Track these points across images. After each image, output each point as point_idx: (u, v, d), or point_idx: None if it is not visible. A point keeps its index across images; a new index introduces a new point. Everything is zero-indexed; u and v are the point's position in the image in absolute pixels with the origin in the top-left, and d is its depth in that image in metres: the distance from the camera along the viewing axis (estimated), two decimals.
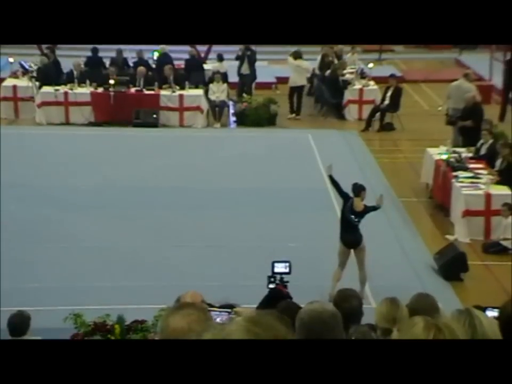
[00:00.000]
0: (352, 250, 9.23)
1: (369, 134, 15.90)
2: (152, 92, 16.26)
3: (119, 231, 11.00)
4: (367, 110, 16.60)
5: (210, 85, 16.70)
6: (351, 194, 9.27)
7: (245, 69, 17.51)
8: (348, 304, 4.37)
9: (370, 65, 18.08)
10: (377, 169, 13.83)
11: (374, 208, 9.34)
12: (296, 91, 16.98)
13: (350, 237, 9.22)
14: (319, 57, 18.20)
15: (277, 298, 6.31)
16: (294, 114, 16.90)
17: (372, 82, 17.34)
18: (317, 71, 18.04)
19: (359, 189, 9.25)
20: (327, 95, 17.19)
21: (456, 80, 15.06)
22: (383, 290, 7.41)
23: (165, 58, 17.46)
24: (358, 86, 17.14)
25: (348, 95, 17.04)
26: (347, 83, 17.19)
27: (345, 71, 17.65)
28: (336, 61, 18.03)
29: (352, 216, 9.16)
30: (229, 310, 5.12)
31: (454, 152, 12.45)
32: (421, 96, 18.64)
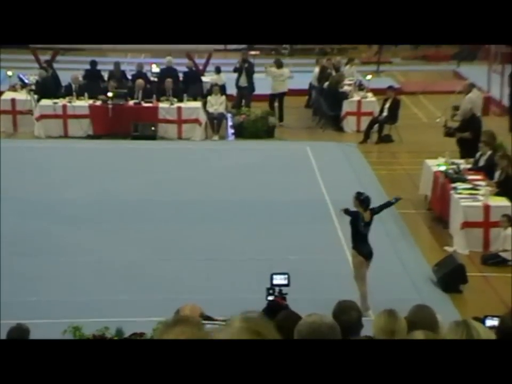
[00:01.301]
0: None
1: (368, 146, 15.92)
2: (150, 105, 16.28)
3: (117, 244, 10.97)
4: (365, 122, 16.62)
5: (209, 97, 16.73)
6: (354, 207, 9.11)
7: (243, 81, 17.55)
8: (347, 316, 4.35)
9: (369, 77, 18.13)
10: (376, 181, 13.83)
11: (380, 208, 9.26)
12: (277, 98, 17.24)
13: (369, 248, 9.08)
14: (317, 69, 18.25)
15: (275, 310, 6.29)
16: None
17: (370, 94, 17.37)
18: (315, 83, 18.08)
19: (368, 202, 9.07)
20: (325, 107, 17.22)
21: (453, 92, 15.10)
22: (382, 303, 7.38)
23: (168, 71, 17.51)
24: (356, 98, 17.17)
25: (346, 107, 17.07)
26: (345, 95, 17.23)
27: (343, 83, 17.69)
28: (334, 73, 18.08)
29: (366, 228, 9.05)
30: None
31: (453, 163, 12.46)
32: (419, 108, 18.68)
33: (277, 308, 6.60)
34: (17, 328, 6.56)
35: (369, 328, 4.62)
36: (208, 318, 4.78)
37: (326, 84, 17.57)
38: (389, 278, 10.03)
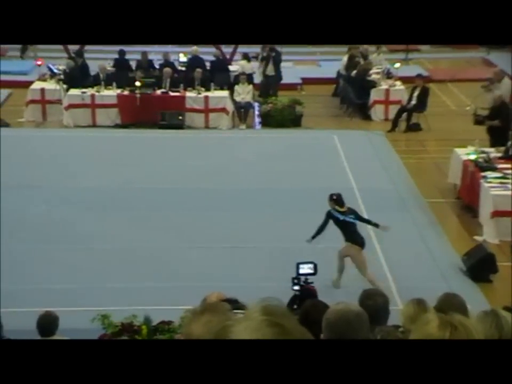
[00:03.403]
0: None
1: (396, 135, 15.79)
2: (177, 94, 16.31)
3: (144, 232, 11.03)
4: (393, 110, 16.48)
5: (236, 87, 16.71)
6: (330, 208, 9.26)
7: (270, 70, 17.50)
8: (372, 301, 4.33)
9: (397, 65, 17.96)
10: (403, 170, 13.72)
11: (361, 218, 9.51)
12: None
13: (361, 236, 9.31)
14: (345, 58, 18.13)
15: (307, 297, 6.28)
16: None
17: (398, 83, 17.22)
18: (343, 72, 17.96)
19: (341, 200, 9.33)
20: (353, 96, 17.10)
21: (483, 80, 14.90)
22: (410, 292, 7.34)
23: (195, 61, 17.52)
24: (384, 86, 17.03)
25: (374, 95, 16.94)
26: (373, 83, 17.09)
27: (371, 72, 17.55)
28: (362, 61, 17.94)
29: (350, 217, 9.24)
30: None
31: (482, 152, 12.31)
32: (448, 95, 18.47)
33: (309, 295, 6.59)
34: (46, 315, 6.63)
35: (396, 317, 4.59)
36: (239, 306, 4.75)
37: (354, 72, 17.45)
38: (417, 267, 9.96)
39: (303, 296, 6.69)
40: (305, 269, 7.26)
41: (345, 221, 9.20)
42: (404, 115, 16.12)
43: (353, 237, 9.23)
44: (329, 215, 9.27)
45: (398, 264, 9.95)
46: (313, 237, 9.32)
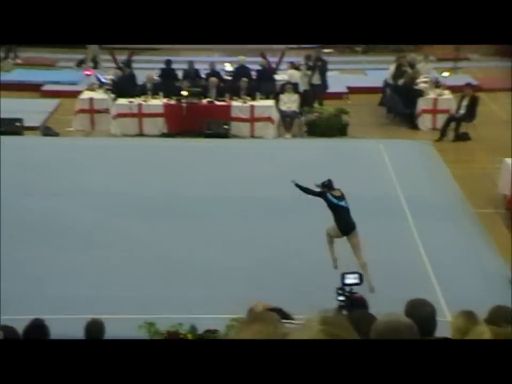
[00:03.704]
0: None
1: (444, 144, 15.57)
2: (223, 103, 16.38)
3: (188, 241, 11.07)
4: (441, 119, 16.26)
5: (281, 95, 16.71)
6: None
7: (316, 79, 17.45)
8: (420, 311, 4.24)
9: (445, 74, 17.72)
10: (452, 179, 13.50)
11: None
12: None
13: (349, 221, 9.42)
14: (392, 67, 17.97)
15: (357, 307, 6.20)
16: None
17: (446, 92, 16.98)
18: (390, 81, 17.81)
19: (331, 183, 9.59)
20: (400, 105, 16.93)
21: None
22: (459, 303, 7.19)
23: (241, 70, 17.59)
24: (432, 95, 16.82)
25: (422, 104, 16.74)
26: (421, 92, 16.90)
27: (418, 80, 17.36)
28: (409, 70, 17.76)
29: (342, 202, 9.42)
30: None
31: None
32: (498, 105, 18.15)
33: (359, 305, 6.50)
34: (94, 322, 6.67)
35: (443, 328, 4.49)
36: (284, 315, 4.70)
37: (401, 81, 17.28)
38: (465, 277, 9.77)
39: (353, 305, 6.60)
40: (351, 279, 7.17)
41: (339, 205, 9.42)
42: (452, 124, 15.89)
43: (341, 223, 9.42)
44: (322, 195, 9.48)
45: (446, 275, 9.77)
46: (298, 185, 9.67)
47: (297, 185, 9.68)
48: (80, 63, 20.32)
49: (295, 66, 17.76)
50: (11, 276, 9.76)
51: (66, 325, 7.81)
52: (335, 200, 9.45)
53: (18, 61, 20.72)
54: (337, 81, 18.73)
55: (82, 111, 16.62)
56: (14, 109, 16.66)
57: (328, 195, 9.48)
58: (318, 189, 9.61)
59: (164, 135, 16.25)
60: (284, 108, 16.52)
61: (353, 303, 6.72)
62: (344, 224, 9.51)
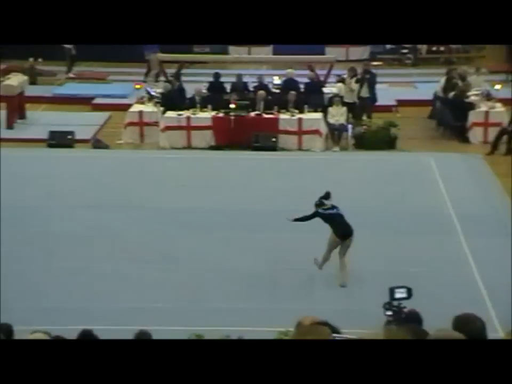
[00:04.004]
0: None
1: (496, 158, 15.28)
2: (271, 116, 16.40)
3: (237, 253, 11.07)
4: (492, 133, 15.97)
5: (330, 108, 16.64)
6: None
7: (365, 92, 17.34)
8: (471, 325, 4.13)
9: (497, 86, 17.42)
10: (503, 194, 13.23)
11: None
12: None
13: (348, 227, 9.94)
14: (443, 79, 17.75)
15: (412, 321, 6.10)
16: None
17: (498, 104, 16.69)
18: (440, 93, 17.58)
19: (321, 201, 10.23)
20: (451, 118, 16.69)
21: None
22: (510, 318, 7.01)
23: (289, 83, 17.60)
24: (483, 108, 16.54)
25: (473, 117, 16.47)
26: (472, 105, 16.63)
27: (469, 93, 17.10)
28: (460, 83, 17.51)
29: (334, 210, 10.02)
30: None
31: None
32: None
33: (414, 319, 6.38)
34: (142, 333, 6.68)
35: None
36: (333, 329, 4.63)
37: (452, 94, 17.05)
38: None
39: (407, 320, 6.48)
40: (400, 293, 7.05)
41: (332, 213, 9.99)
42: (504, 137, 15.59)
43: (337, 230, 10.00)
44: (316, 214, 10.11)
45: (498, 290, 9.55)
46: (296, 219, 10.14)
47: (296, 220, 10.16)
48: (146, 76, 20.45)
49: (343, 79, 17.68)
50: (63, 285, 9.90)
51: (115, 336, 7.87)
52: (326, 212, 10.04)
53: (71, 75, 21.12)
54: (386, 94, 18.56)
55: (132, 124, 16.82)
56: (65, 122, 16.99)
57: (320, 211, 10.08)
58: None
59: (211, 148, 16.33)
60: (332, 120, 16.46)
61: (408, 318, 6.61)
62: (343, 229, 9.99)
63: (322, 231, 11.69)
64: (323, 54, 20.07)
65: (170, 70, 18.62)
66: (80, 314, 9.11)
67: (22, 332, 5.28)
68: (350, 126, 16.83)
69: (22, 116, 17.55)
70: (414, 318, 6.38)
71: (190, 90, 17.47)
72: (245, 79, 18.14)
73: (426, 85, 19.27)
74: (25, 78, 18.15)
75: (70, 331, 6.10)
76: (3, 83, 17.29)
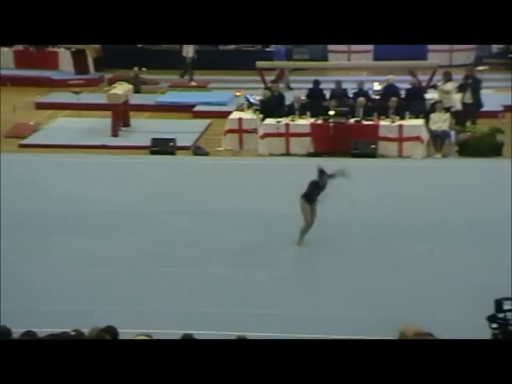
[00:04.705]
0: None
1: None
2: (371, 123, 16.19)
3: (331, 260, 10.99)
4: None
5: (432, 115, 16.28)
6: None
7: (468, 98, 16.84)
8: None
9: None
10: None
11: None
12: None
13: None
14: None
15: None
16: None
17: None
18: None
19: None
20: None
21: None
22: None
23: (390, 89, 17.34)
24: None
25: None
26: None
27: None
28: None
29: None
30: None
31: None
32: None
33: None
34: (188, 336, 6.53)
35: None
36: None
37: None
38: None
39: None
40: (509, 305, 6.74)
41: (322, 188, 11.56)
42: None
43: (313, 197, 11.55)
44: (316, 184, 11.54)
45: None
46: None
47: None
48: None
49: (435, 85, 17.24)
50: (164, 290, 10.07)
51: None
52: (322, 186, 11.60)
53: (193, 83, 21.56)
54: (491, 99, 17.96)
55: (231, 131, 16.98)
56: (167, 129, 17.37)
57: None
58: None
59: (310, 155, 16.26)
60: (434, 127, 16.09)
61: None
62: (314, 198, 11.54)
63: (424, 240, 11.39)
64: (425, 59, 19.67)
65: (269, 78, 18.70)
66: (183, 317, 9.21)
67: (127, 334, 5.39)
68: (453, 133, 16.39)
69: (127, 124, 18.08)
70: None
71: (289, 97, 17.49)
72: (344, 86, 17.99)
73: None
74: (130, 87, 18.69)
75: (177, 335, 6.14)
76: (109, 92, 17.88)
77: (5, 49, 23.03)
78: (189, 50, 21.62)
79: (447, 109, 16.50)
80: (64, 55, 22.70)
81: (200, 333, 7.31)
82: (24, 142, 16.96)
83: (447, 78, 16.96)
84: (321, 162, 15.69)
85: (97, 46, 22.20)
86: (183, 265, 10.85)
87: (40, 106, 19.80)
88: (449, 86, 16.87)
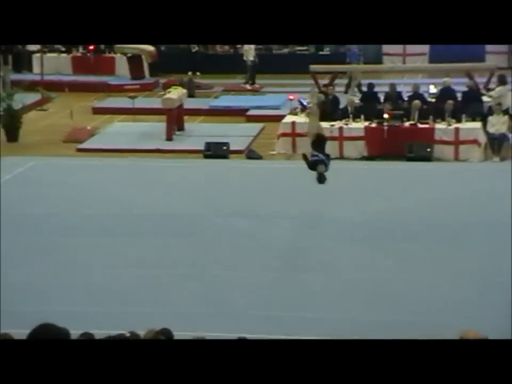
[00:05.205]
0: None
1: None
2: (426, 126, 15.97)
3: (382, 263, 10.90)
4: None
5: (490, 117, 15.97)
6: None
7: None
8: None
9: None
10: None
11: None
12: None
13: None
14: None
15: None
16: None
17: None
18: None
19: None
20: None
21: None
22: None
23: (446, 92, 17.08)
24: None
25: None
26: None
27: None
28: None
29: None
30: None
31: None
32: None
33: None
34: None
35: None
36: None
37: None
38: None
39: None
40: None
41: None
42: None
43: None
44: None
45: None
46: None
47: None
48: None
49: (489, 88, 16.90)
50: (217, 292, 10.09)
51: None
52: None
53: (248, 87, 21.70)
54: None
55: (284, 134, 16.96)
56: (221, 133, 17.45)
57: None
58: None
59: (364, 158, 16.12)
60: (492, 130, 15.78)
61: None
62: None
63: (479, 244, 11.16)
64: (483, 61, 19.29)
65: (323, 81, 18.62)
66: (234, 320, 9.22)
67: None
68: (511, 135, 16.03)
69: (181, 128, 18.24)
70: None
71: (343, 100, 17.38)
72: (399, 89, 17.79)
73: None
74: (185, 91, 18.87)
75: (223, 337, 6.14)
76: (164, 97, 18.08)
77: (64, 55, 23.56)
78: (249, 54, 21.70)
79: (506, 111, 16.16)
80: (120, 60, 23.11)
81: (254, 336, 7.33)
82: (82, 146, 17.29)
83: (502, 81, 16.65)
84: (376, 166, 15.63)
85: (152, 51, 22.50)
86: (236, 268, 10.86)
87: (97, 111, 20.16)
88: (502, 90, 16.51)
